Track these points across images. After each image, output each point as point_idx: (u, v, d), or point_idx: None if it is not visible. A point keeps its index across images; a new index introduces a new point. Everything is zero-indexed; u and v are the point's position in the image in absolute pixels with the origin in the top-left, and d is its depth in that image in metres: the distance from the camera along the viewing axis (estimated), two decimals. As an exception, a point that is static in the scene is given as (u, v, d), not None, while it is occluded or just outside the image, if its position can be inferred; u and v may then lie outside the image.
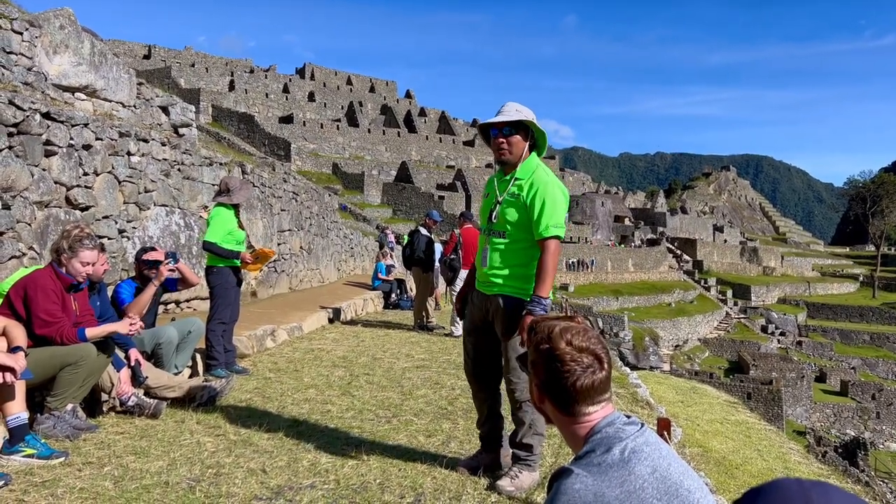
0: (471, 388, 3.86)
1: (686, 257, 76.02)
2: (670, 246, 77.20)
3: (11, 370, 3.41)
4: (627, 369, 10.76)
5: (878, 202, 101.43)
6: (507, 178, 3.55)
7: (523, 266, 3.50)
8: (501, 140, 3.48)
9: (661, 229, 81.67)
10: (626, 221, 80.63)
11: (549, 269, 3.37)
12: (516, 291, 3.49)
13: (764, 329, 61.51)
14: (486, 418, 3.75)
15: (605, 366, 1.75)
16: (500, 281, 3.51)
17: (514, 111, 3.47)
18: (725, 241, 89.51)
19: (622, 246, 70.70)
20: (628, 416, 1.74)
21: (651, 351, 44.60)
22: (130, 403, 4.52)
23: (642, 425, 1.70)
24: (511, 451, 3.63)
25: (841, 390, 46.62)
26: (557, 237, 3.42)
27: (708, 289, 68.58)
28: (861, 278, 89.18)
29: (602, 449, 1.62)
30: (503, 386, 3.72)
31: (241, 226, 6.24)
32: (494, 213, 3.53)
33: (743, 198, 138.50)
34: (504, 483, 3.42)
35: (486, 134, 3.63)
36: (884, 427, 40.48)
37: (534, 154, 3.58)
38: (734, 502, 1.21)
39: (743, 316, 64.70)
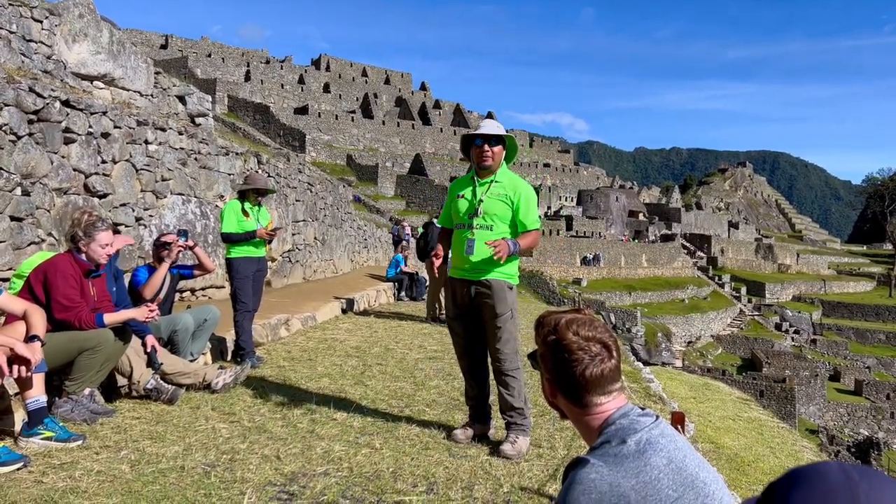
0: (461, 365, 4.36)
1: (700, 253, 75.52)
2: (684, 242, 76.70)
3: (27, 362, 3.37)
4: (640, 364, 10.75)
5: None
6: (486, 181, 4.11)
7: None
8: (488, 150, 4.06)
9: (675, 225, 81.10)
10: (641, 216, 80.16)
11: (530, 241, 4.07)
12: (503, 276, 4.08)
13: (778, 327, 61.07)
14: (477, 391, 4.23)
15: (614, 354, 1.75)
16: (489, 267, 4.04)
17: (496, 127, 4.12)
18: (733, 237, 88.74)
19: (636, 241, 70.30)
20: (642, 409, 1.74)
21: (663, 347, 44.46)
22: (149, 386, 4.57)
23: (657, 417, 1.70)
24: (504, 418, 4.08)
25: (855, 389, 46.25)
26: (538, 229, 4.17)
27: (722, 285, 68.12)
28: (878, 277, 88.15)
29: (617, 440, 1.62)
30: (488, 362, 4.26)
31: (245, 213, 6.26)
32: (479, 210, 4.07)
33: (759, 194, 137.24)
34: (507, 448, 3.85)
35: (466, 143, 4.21)
36: (898, 427, 40.09)
37: (503, 163, 4.22)
38: (771, 484, 1.06)
39: (757, 313, 64.24)
